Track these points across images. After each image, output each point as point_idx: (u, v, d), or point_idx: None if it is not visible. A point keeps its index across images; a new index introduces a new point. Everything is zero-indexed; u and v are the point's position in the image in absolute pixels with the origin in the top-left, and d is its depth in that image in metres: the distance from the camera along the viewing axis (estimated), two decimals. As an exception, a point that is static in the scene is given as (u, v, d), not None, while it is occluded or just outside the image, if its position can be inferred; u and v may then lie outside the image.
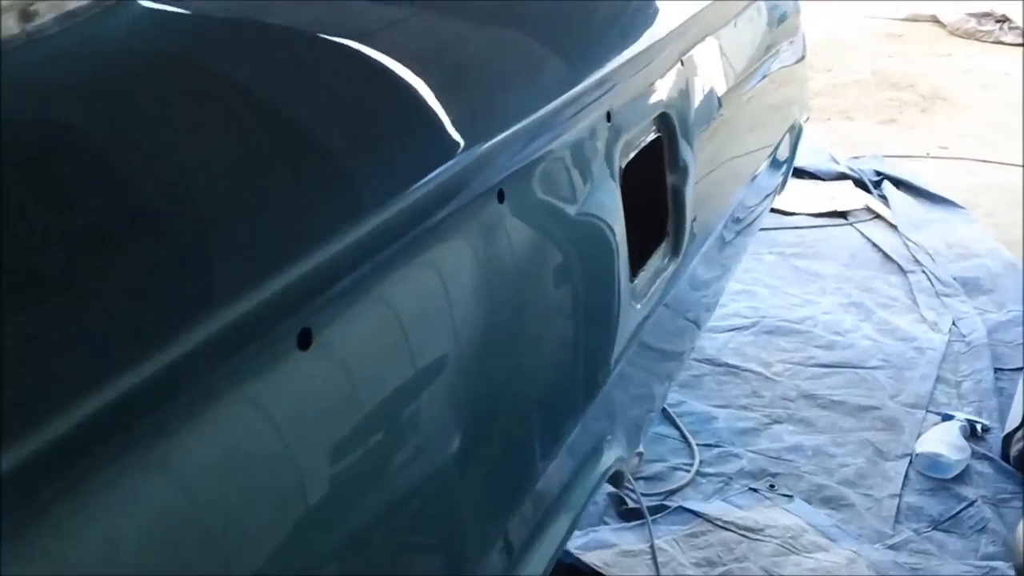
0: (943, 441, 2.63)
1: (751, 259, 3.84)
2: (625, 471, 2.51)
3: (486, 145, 0.97)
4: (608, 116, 1.20)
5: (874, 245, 3.98)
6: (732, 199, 1.93)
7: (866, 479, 2.60)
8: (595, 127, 1.17)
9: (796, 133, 2.57)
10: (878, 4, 8.58)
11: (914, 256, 3.85)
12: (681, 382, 3.01)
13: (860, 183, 4.52)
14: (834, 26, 8.14)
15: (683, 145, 1.43)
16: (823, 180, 4.59)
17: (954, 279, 3.66)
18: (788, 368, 3.11)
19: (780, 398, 2.95)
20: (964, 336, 3.27)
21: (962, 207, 4.31)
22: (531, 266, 1.07)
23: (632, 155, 1.28)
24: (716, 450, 2.71)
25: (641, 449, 2.63)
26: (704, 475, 2.62)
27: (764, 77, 2.08)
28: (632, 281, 1.30)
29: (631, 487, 2.48)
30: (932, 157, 5.08)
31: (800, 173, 4.66)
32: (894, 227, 4.12)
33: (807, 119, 2.82)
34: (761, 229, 4.07)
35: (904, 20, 8.41)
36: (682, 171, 1.44)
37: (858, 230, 4.13)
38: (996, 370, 3.08)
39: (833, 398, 2.95)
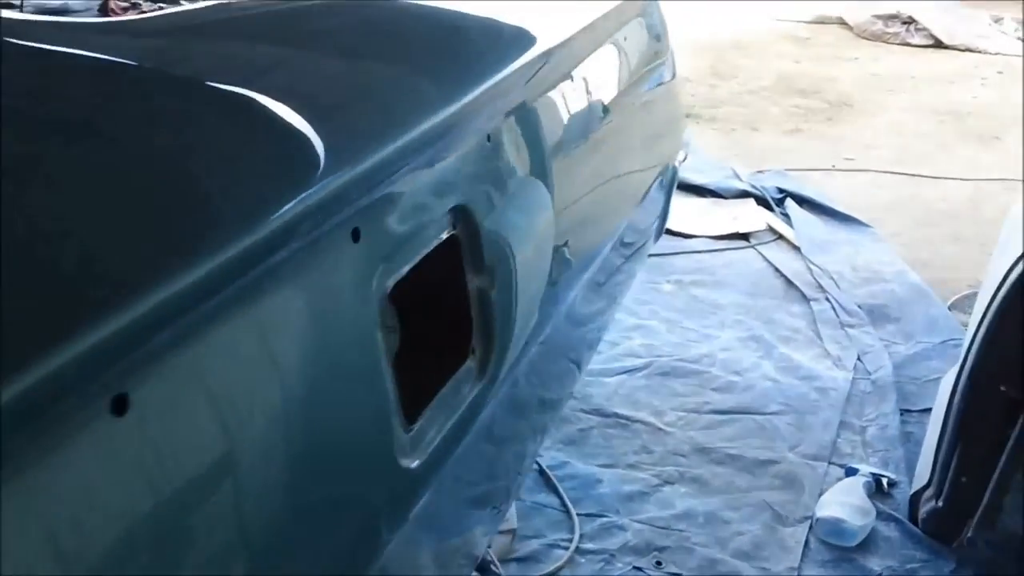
0: (846, 503, 2.39)
1: (647, 290, 3.60)
2: (491, 555, 2.25)
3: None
4: (355, 234, 0.90)
5: (776, 270, 3.75)
6: (584, 262, 1.64)
7: (763, 550, 2.34)
8: (338, 250, 0.87)
9: (669, 176, 2.28)
10: (785, 5, 8.44)
11: (818, 281, 3.63)
12: (565, 437, 2.74)
13: (763, 201, 4.31)
14: (741, 30, 7.98)
15: (491, 239, 1.14)
16: (724, 198, 4.36)
17: (859, 307, 3.45)
18: (682, 417, 2.84)
19: (672, 453, 2.69)
20: (870, 373, 3.05)
21: (868, 225, 4.12)
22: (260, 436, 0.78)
23: (405, 270, 0.98)
24: (599, 520, 2.43)
25: (513, 525, 2.34)
26: (584, 552, 2.34)
27: (618, 125, 1.80)
28: (409, 429, 1.01)
29: (499, 574, 2.20)
30: (838, 170, 4.90)
31: (701, 191, 4.44)
32: (797, 249, 3.90)
33: (684, 159, 2.53)
34: (658, 255, 3.88)
35: (811, 23, 8.29)
36: (490, 271, 1.15)
37: (760, 253, 3.90)
38: (903, 411, 2.86)
39: (729, 451, 2.69)
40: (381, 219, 0.95)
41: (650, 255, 3.85)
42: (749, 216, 4.17)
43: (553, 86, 1.54)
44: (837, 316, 3.40)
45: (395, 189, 0.98)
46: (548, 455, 2.62)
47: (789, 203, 4.26)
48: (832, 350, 3.20)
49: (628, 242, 2.01)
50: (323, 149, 0.91)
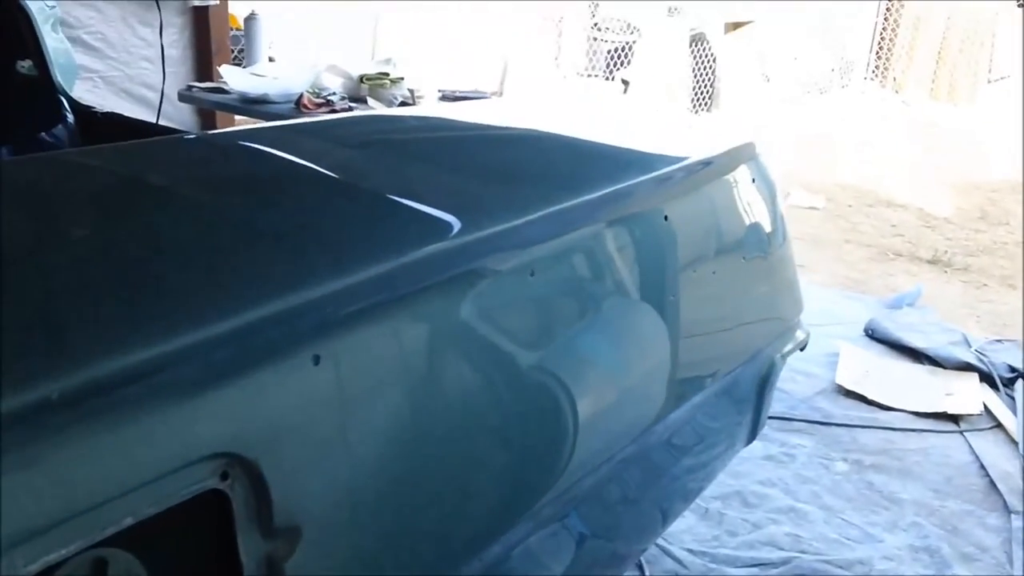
0: None
1: (815, 465, 3.16)
2: None
3: None
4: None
5: (982, 466, 3.18)
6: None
7: None
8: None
9: (761, 372, 1.89)
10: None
11: (1030, 490, 3.03)
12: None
13: (988, 378, 3.71)
14: (1016, 165, 7.18)
15: (285, 486, 0.89)
16: (943, 368, 3.80)
17: (1072, 533, 2.83)
18: (805, 638, 2.40)
19: None
20: (1060, 626, 2.47)
21: (1117, 428, 3.43)
22: None
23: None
24: None
25: None
26: None
27: (666, 299, 1.49)
28: None
29: None
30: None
31: (917, 356, 3.91)
32: (1016, 443, 3.30)
33: (801, 347, 2.09)
34: (840, 425, 3.41)
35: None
36: (286, 533, 0.90)
37: (968, 442, 3.33)
38: None
39: None
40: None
41: (829, 423, 3.43)
42: (967, 394, 3.59)
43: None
44: (1041, 540, 2.80)
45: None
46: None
47: (1020, 385, 3.64)
48: (1022, 584, 2.63)
49: (674, 449, 1.66)
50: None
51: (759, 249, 1.84)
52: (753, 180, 1.81)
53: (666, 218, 1.49)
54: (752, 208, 1.81)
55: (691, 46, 8.24)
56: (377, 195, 1.29)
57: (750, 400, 1.89)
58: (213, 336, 0.87)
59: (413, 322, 1.08)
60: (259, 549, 0.90)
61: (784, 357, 1.94)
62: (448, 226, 1.21)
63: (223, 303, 0.92)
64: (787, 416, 3.46)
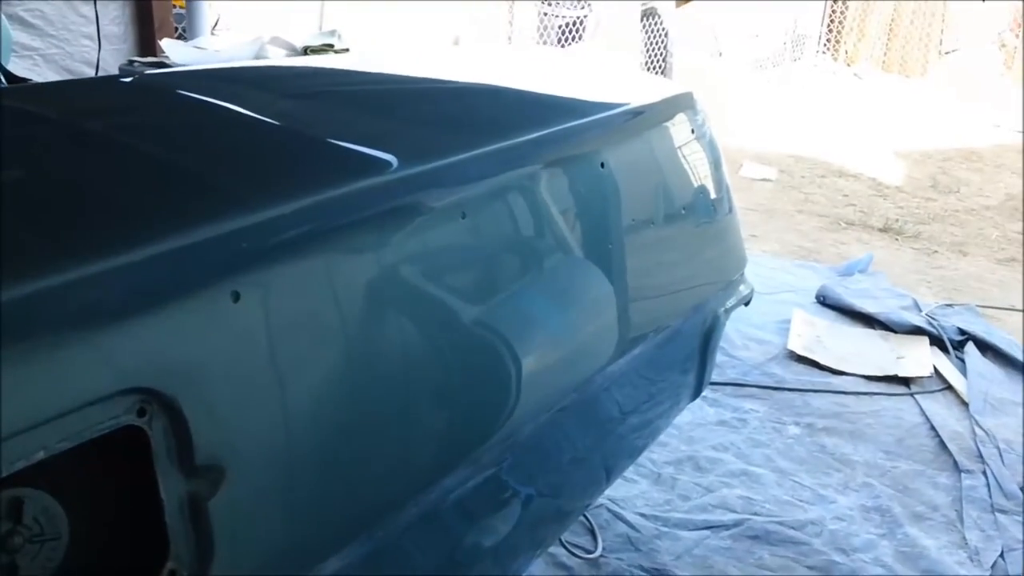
0: None
1: (768, 429, 3.15)
2: None
3: None
4: None
5: (932, 428, 3.19)
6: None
7: None
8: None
9: (703, 325, 1.85)
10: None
11: (979, 449, 3.05)
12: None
13: (938, 341, 3.73)
14: (976, 138, 7.25)
15: (206, 424, 0.85)
16: (894, 332, 3.82)
17: (1022, 490, 2.85)
18: (758, 597, 2.39)
19: (730, 645, 2.25)
20: (1010, 580, 2.48)
21: (1064, 388, 3.46)
22: None
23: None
24: None
25: None
26: None
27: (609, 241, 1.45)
28: None
29: None
30: (1046, 314, 4.21)
31: (869, 321, 3.92)
32: (966, 405, 3.32)
33: (743, 303, 2.04)
34: (793, 390, 3.40)
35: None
36: (209, 471, 0.87)
37: (918, 404, 3.34)
38: (1043, 638, 2.29)
39: (803, 653, 2.22)
40: None
41: (782, 388, 3.43)
42: (917, 357, 3.61)
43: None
44: (990, 497, 2.82)
45: None
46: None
47: (970, 348, 3.66)
48: (972, 539, 2.64)
49: (616, 401, 1.63)
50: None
51: (699, 201, 1.81)
52: (692, 130, 1.78)
53: (603, 165, 1.45)
54: (692, 159, 1.78)
55: (642, 20, 8.21)
56: (303, 134, 1.25)
57: (693, 355, 1.86)
58: (128, 264, 0.84)
59: (339, 259, 1.04)
60: (180, 488, 0.87)
61: (728, 312, 1.91)
62: (378, 163, 1.17)
63: (140, 233, 0.88)
64: (740, 382, 3.45)
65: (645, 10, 8.16)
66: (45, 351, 0.76)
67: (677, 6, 8.63)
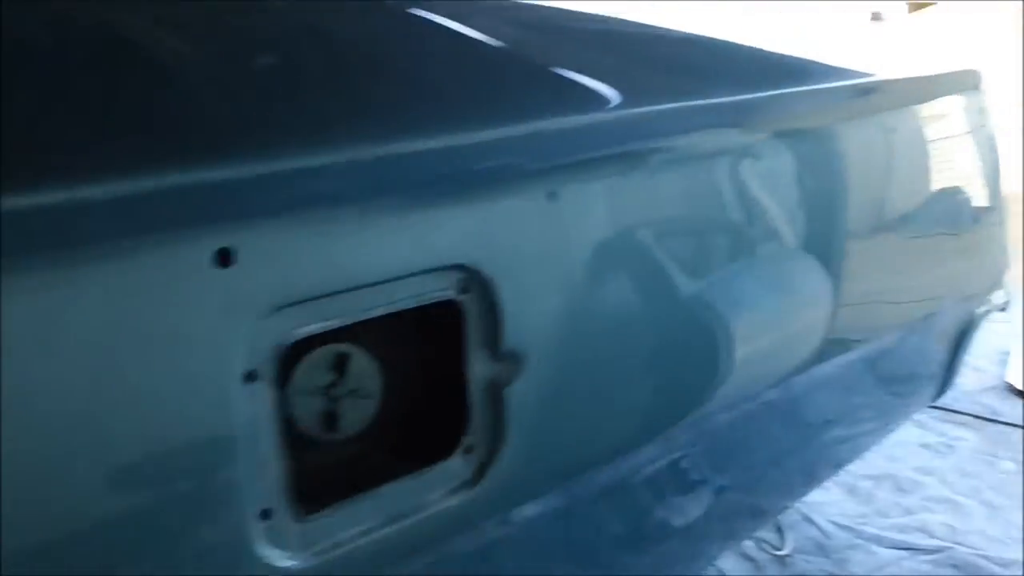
0: None
1: (978, 462, 2.92)
2: None
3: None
4: (223, 256, 0.68)
5: None
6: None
7: None
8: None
9: (958, 324, 1.67)
10: None
11: None
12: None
13: None
14: None
15: (516, 311, 0.88)
16: None
17: None
18: (952, 633, 2.21)
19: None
20: None
21: None
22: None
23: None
24: None
25: None
26: None
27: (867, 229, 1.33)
28: (302, 519, 0.78)
29: None
30: None
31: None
32: None
33: (1002, 307, 1.85)
34: (1006, 424, 3.15)
35: None
36: (512, 358, 0.89)
37: None
38: None
39: None
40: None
41: (997, 420, 3.17)
42: None
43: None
44: None
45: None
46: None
47: None
48: None
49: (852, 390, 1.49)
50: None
51: (968, 193, 1.65)
52: (970, 114, 1.62)
53: (869, 139, 1.33)
54: (967, 145, 1.62)
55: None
56: (612, 66, 1.19)
57: (938, 358, 1.71)
58: (462, 146, 0.87)
59: (651, 178, 1.03)
60: (484, 370, 0.89)
61: (983, 315, 1.75)
62: (688, 89, 1.13)
63: (472, 124, 0.90)
64: (950, 407, 3.23)
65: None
66: (394, 217, 0.80)
67: (909, 11, 8.23)
